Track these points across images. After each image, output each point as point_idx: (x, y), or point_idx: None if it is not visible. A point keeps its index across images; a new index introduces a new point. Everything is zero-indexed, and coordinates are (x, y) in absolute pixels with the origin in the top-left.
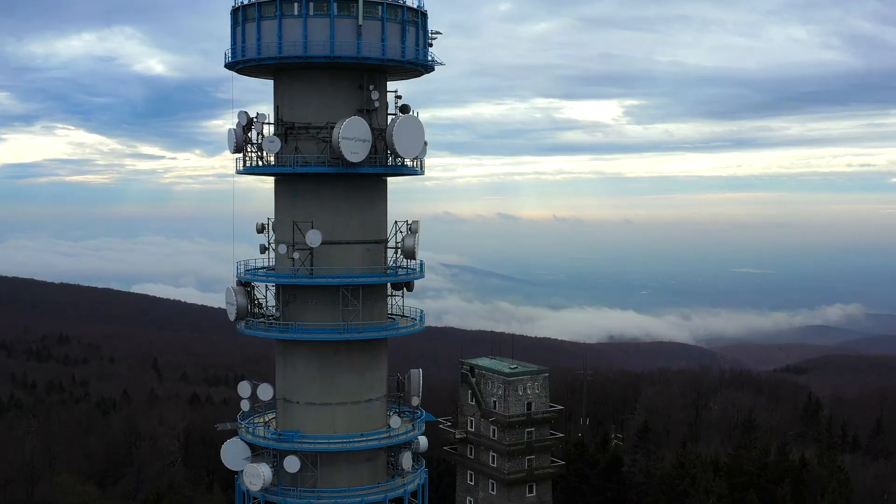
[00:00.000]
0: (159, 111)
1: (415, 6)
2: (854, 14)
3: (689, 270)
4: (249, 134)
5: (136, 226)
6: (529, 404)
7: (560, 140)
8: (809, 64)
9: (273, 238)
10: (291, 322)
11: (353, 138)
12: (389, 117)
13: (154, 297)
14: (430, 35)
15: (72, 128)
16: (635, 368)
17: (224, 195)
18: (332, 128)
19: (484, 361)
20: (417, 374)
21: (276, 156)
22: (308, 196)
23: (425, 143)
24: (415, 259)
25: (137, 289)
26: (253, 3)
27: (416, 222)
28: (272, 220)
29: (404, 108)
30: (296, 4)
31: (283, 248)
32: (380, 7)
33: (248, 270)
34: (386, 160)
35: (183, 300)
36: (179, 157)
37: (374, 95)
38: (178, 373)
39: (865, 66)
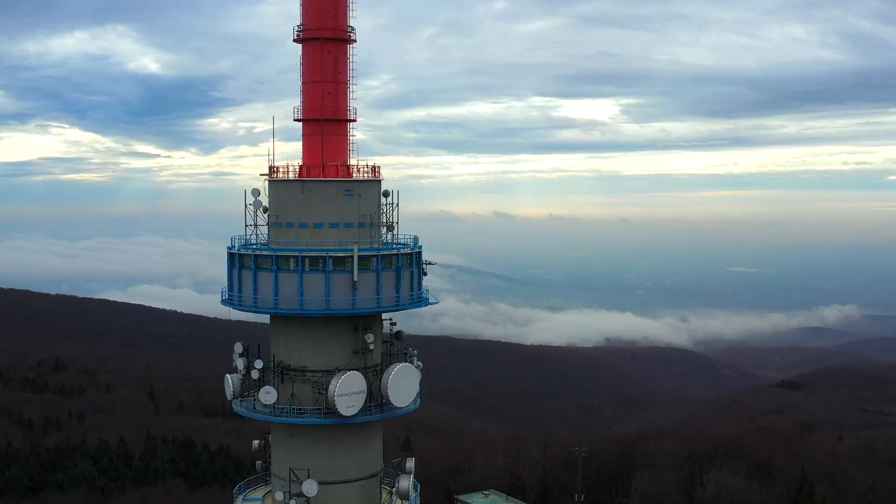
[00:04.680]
0: (154, 109)
1: (409, 249)
2: (853, 13)
3: (685, 269)
4: (248, 373)
5: (132, 225)
6: None
7: (556, 139)
8: (807, 63)
9: (269, 456)
10: None
11: (348, 393)
12: (384, 343)
13: (149, 308)
14: (423, 268)
15: (66, 126)
16: (630, 376)
17: (221, 194)
18: (328, 374)
19: (478, 500)
20: None
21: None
22: (304, 438)
23: (419, 367)
24: (408, 500)
25: (134, 291)
26: (249, 255)
27: (411, 459)
28: (270, 437)
29: (398, 335)
30: (291, 260)
31: (279, 496)
32: (374, 259)
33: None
34: (381, 402)
35: (179, 310)
36: (175, 156)
37: (369, 338)
38: (174, 402)
39: (864, 65)
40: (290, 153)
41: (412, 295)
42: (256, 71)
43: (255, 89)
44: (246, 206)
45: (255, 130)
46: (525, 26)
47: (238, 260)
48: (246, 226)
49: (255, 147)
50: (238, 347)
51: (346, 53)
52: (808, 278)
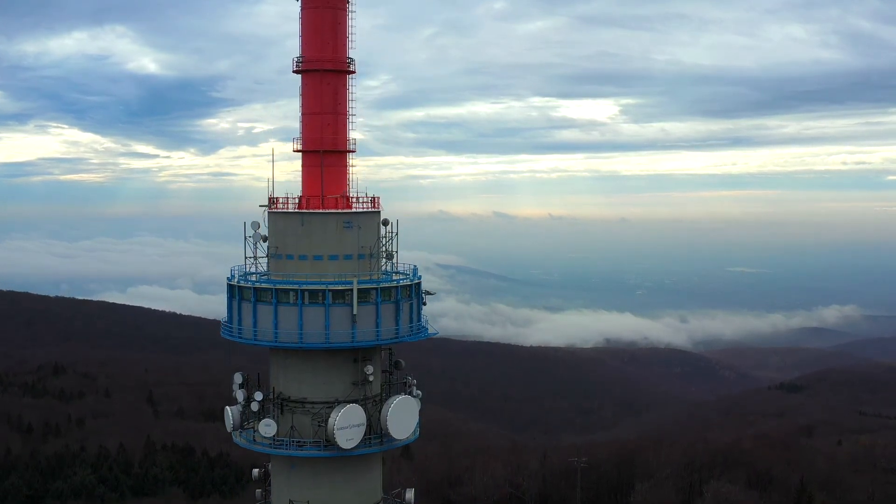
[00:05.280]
0: (153, 110)
1: (408, 281)
2: (853, 13)
3: (684, 269)
4: (248, 405)
5: (131, 225)
6: None
7: (556, 139)
8: (807, 63)
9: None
10: None
11: (347, 426)
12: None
13: (149, 310)
14: (423, 298)
15: (65, 126)
16: (630, 378)
17: (219, 194)
18: (327, 406)
19: None
20: None
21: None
22: (304, 470)
23: (419, 396)
24: None
25: (133, 292)
26: (249, 287)
27: (410, 489)
28: (270, 465)
29: (397, 364)
30: (291, 293)
31: None
32: (374, 292)
33: None
34: (380, 434)
35: (178, 311)
36: (174, 156)
37: (368, 370)
38: (174, 407)
39: (863, 65)
40: (290, 153)
41: (412, 326)
42: (255, 71)
43: (253, 89)
44: (245, 238)
45: (255, 131)
46: (524, 26)
47: (238, 292)
48: (245, 258)
49: (254, 147)
50: (237, 378)
51: (345, 84)
52: (808, 278)
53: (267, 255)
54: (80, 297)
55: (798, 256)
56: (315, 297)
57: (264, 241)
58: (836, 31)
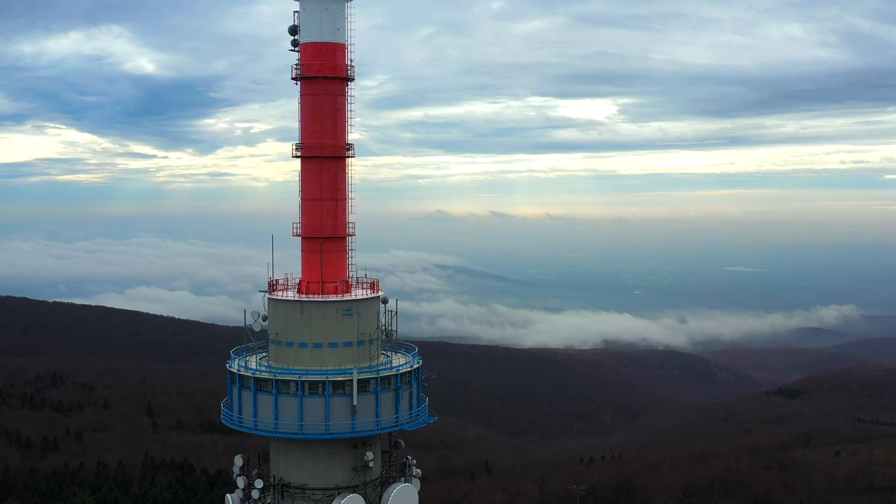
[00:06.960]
0: (150, 110)
1: (408, 367)
2: (852, 12)
3: (682, 269)
4: (249, 491)
5: (129, 226)
6: None
7: (554, 138)
8: (806, 62)
9: None
10: None
11: None
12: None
13: (147, 315)
14: (423, 381)
15: (63, 127)
16: (628, 380)
17: (217, 194)
18: (327, 492)
19: None
20: None
21: None
22: None
23: (418, 475)
24: None
25: (131, 293)
26: (249, 376)
27: None
28: None
29: (396, 444)
30: (291, 384)
31: None
32: (373, 381)
33: None
34: None
35: (177, 315)
36: (171, 156)
37: (369, 456)
38: (173, 418)
39: (862, 64)
40: (286, 152)
41: (411, 413)
42: (252, 71)
43: (251, 89)
44: (245, 326)
45: (252, 131)
46: (522, 26)
47: (238, 379)
48: (246, 345)
49: (251, 147)
50: (238, 461)
51: (344, 169)
52: (806, 278)
53: (268, 341)
54: (78, 301)
55: (796, 256)
56: (315, 387)
57: (264, 321)
58: (835, 31)
